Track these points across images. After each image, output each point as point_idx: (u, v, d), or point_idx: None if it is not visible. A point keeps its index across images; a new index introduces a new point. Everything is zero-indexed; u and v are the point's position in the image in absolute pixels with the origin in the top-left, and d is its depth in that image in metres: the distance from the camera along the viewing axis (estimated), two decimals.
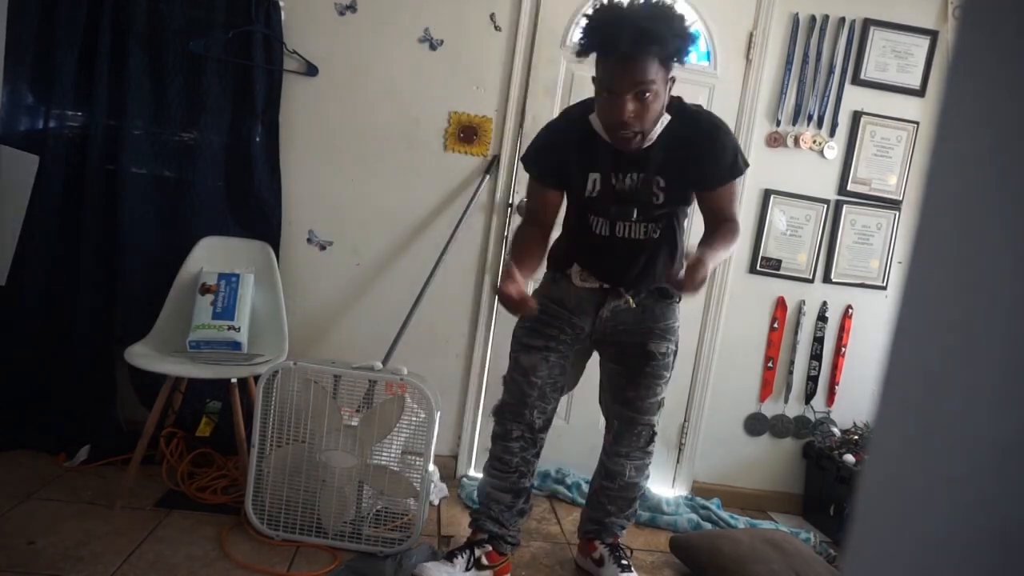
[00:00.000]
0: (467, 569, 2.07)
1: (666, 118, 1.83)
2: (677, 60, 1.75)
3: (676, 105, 1.88)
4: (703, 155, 1.85)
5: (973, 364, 0.30)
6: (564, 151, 1.92)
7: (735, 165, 1.89)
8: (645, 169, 1.87)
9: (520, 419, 2.05)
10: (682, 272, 1.72)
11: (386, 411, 2.15)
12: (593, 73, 1.82)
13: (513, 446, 2.06)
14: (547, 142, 1.98)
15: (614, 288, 1.99)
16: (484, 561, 2.09)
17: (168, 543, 2.11)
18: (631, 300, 1.97)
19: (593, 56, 1.76)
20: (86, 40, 2.52)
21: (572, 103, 2.16)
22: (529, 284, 1.96)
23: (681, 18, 1.72)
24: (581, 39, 1.73)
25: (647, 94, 1.71)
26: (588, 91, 2.75)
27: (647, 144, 1.82)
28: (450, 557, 2.09)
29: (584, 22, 1.72)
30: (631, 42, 1.64)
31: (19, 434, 2.55)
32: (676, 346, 2.09)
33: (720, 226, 1.93)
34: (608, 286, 1.99)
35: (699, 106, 1.96)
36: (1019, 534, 0.27)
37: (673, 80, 1.81)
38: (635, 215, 1.92)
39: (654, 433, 2.13)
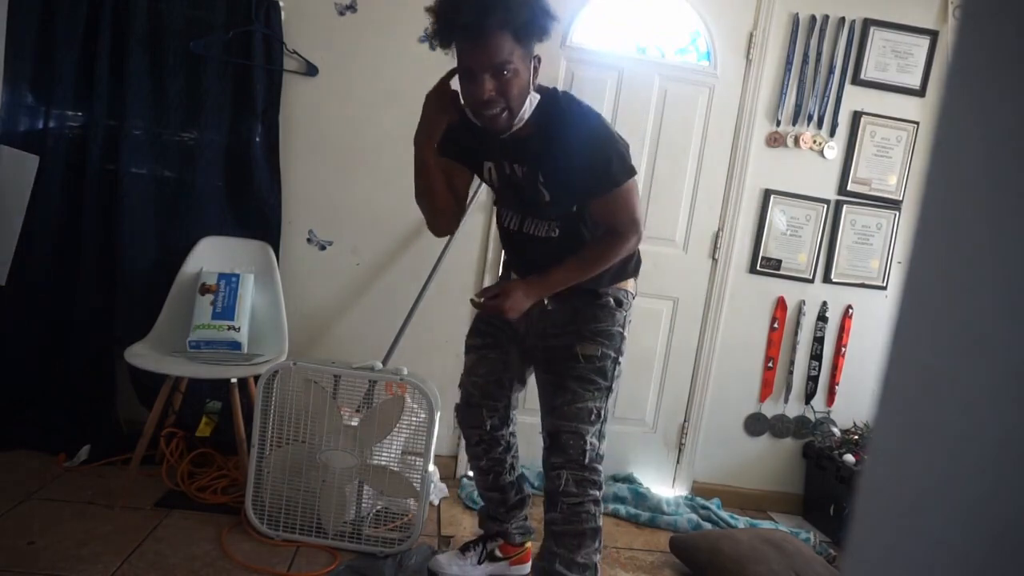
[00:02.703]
0: (480, 562, 2.13)
1: (535, 97, 1.68)
2: (533, 34, 1.59)
3: (549, 93, 1.74)
4: (576, 162, 1.67)
5: (973, 364, 0.29)
6: (463, 131, 1.76)
7: (611, 175, 1.69)
8: (526, 160, 1.73)
9: (471, 422, 2.02)
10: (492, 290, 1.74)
11: (386, 411, 2.15)
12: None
13: (476, 451, 2.05)
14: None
15: None
16: (498, 553, 2.16)
17: (168, 543, 2.11)
18: (547, 301, 1.84)
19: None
20: (86, 40, 2.52)
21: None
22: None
23: None
24: (434, 26, 1.59)
25: (504, 72, 1.57)
26: (590, 91, 2.77)
27: (517, 124, 1.65)
28: (463, 550, 2.15)
29: (431, 5, 1.59)
30: (474, 13, 1.50)
31: (19, 434, 2.55)
32: (616, 353, 1.86)
33: (599, 238, 1.78)
34: None
35: (571, 98, 1.77)
36: (1019, 534, 0.27)
37: (537, 59, 1.64)
38: (528, 209, 1.81)
39: (586, 444, 1.82)
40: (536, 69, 1.65)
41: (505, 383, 2.00)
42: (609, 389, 1.86)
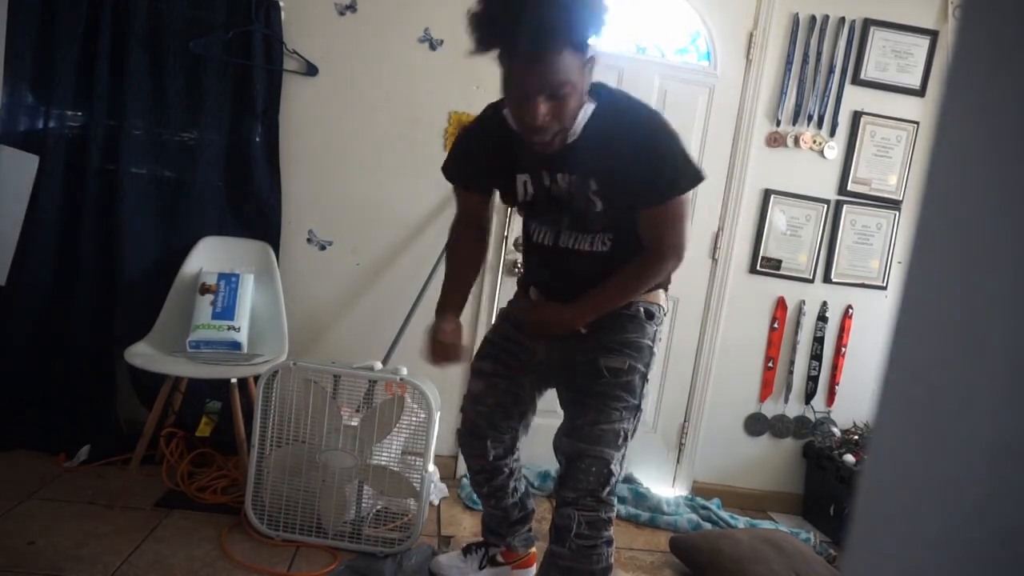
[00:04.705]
0: (481, 567, 2.10)
1: (590, 106, 1.52)
2: (591, 35, 1.42)
3: (602, 91, 1.56)
4: (635, 165, 1.51)
5: (973, 364, 0.29)
6: (483, 153, 1.68)
7: (674, 181, 1.53)
8: (576, 168, 1.56)
9: (473, 452, 1.89)
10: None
11: (386, 411, 2.15)
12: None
13: (478, 479, 1.95)
14: (464, 148, 1.75)
15: None
16: (499, 559, 2.12)
17: (168, 543, 2.11)
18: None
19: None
20: (86, 40, 2.52)
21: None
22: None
23: None
24: (473, 33, 1.38)
25: (561, 93, 1.40)
26: None
27: (571, 139, 1.52)
28: (465, 552, 2.12)
29: (474, 9, 1.37)
30: (534, 39, 1.33)
31: (19, 434, 2.55)
32: (644, 367, 1.69)
33: (636, 259, 1.62)
34: None
35: (628, 96, 1.60)
36: (1019, 534, 0.27)
37: (592, 60, 1.45)
38: (568, 222, 1.64)
39: (610, 474, 1.63)
40: (591, 72, 1.48)
41: (514, 414, 1.86)
42: (637, 408, 1.69)
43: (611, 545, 1.70)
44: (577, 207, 1.60)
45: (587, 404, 1.66)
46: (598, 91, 1.56)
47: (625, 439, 1.67)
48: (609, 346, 1.67)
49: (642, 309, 1.71)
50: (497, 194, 1.78)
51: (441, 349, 1.71)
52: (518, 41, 1.34)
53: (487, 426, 1.85)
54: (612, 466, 1.64)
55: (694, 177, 1.55)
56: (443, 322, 1.73)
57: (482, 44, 1.39)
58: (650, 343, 1.71)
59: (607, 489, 1.65)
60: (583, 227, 1.63)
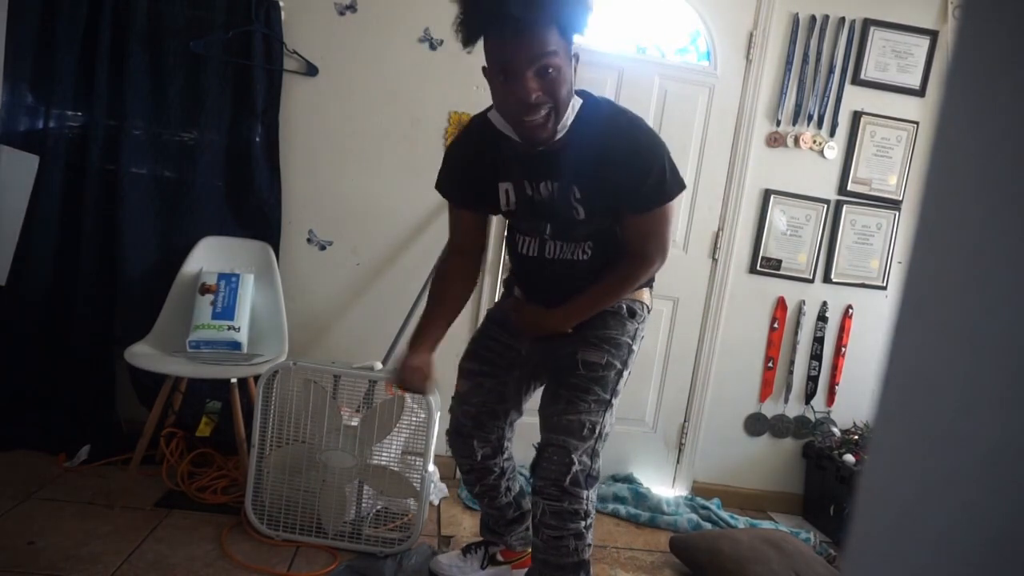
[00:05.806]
0: (482, 566, 2.11)
1: (577, 101, 1.54)
2: (577, 28, 1.46)
3: (587, 97, 1.60)
4: (622, 172, 1.53)
5: (973, 364, 0.29)
6: (467, 163, 1.69)
7: (662, 189, 1.55)
8: (559, 175, 1.58)
9: (461, 452, 1.89)
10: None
11: (386, 411, 2.15)
12: (484, 64, 1.50)
13: (468, 478, 1.95)
14: (451, 160, 1.76)
15: None
16: (499, 558, 2.13)
17: (168, 543, 2.11)
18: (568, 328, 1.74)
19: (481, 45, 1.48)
20: (86, 40, 2.52)
21: None
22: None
23: None
24: (462, 17, 1.41)
25: (550, 69, 1.42)
26: (589, 89, 2.76)
27: (560, 131, 1.51)
28: (465, 552, 2.13)
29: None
30: (522, 4, 1.35)
31: (19, 434, 2.55)
32: (621, 364, 1.70)
33: (622, 263, 1.65)
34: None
35: (611, 103, 1.64)
36: (1018, 534, 0.27)
37: (577, 58, 1.51)
38: (549, 231, 1.66)
39: (571, 463, 1.62)
40: (575, 69, 1.51)
41: (499, 413, 1.87)
42: (608, 403, 1.69)
43: (581, 539, 1.68)
44: (560, 216, 1.61)
45: (560, 395, 1.69)
46: (583, 97, 1.59)
47: (593, 431, 1.66)
48: (590, 340, 1.70)
49: (625, 307, 1.74)
50: (491, 217, 1.81)
51: (409, 379, 1.69)
52: (509, 12, 1.35)
53: (473, 425, 1.86)
54: (574, 456, 1.63)
55: (680, 185, 1.59)
56: (414, 357, 1.68)
57: (471, 26, 1.41)
58: (630, 340, 1.73)
59: (569, 478, 1.63)
60: (565, 236, 1.66)
